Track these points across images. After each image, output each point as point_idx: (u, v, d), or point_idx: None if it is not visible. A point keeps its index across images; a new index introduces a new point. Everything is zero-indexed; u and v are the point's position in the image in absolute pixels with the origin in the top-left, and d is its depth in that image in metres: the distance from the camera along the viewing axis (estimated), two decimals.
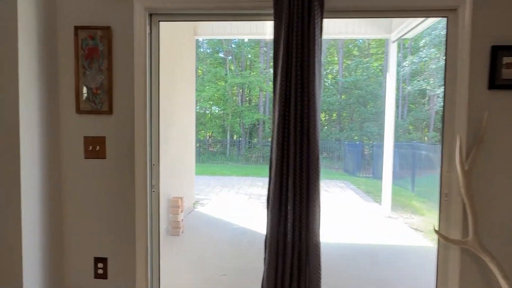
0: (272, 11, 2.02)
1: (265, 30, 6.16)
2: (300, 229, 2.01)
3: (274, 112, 2.04)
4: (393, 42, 5.44)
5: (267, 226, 2.07)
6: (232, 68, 19.29)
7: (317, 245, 2.02)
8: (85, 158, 2.20)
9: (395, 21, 5.23)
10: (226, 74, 18.68)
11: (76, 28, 2.14)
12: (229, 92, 18.73)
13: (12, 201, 1.89)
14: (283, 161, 1.99)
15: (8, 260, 1.92)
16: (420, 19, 4.10)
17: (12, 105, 1.86)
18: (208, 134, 19.36)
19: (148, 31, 2.16)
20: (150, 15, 2.18)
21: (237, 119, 18.62)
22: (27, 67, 1.91)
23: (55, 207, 2.18)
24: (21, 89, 1.87)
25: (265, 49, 18.86)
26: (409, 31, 4.93)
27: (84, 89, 2.16)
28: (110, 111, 2.16)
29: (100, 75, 2.15)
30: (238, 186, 9.05)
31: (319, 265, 2.03)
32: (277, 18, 2.00)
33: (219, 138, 19.07)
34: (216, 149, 18.58)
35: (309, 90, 1.94)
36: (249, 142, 18.64)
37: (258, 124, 18.75)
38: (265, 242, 2.09)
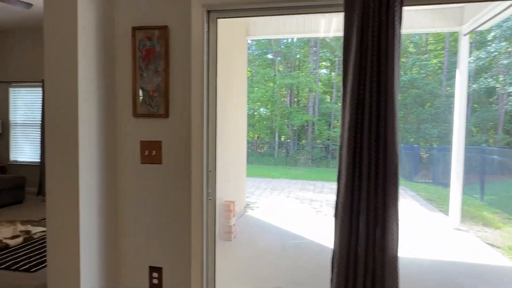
0: (341, 1, 1.79)
1: (319, 27, 5.88)
2: (375, 246, 1.75)
3: (343, 114, 1.80)
4: (465, 35, 4.89)
5: (334, 243, 1.84)
6: (281, 69, 19.10)
7: (394, 258, 1.74)
8: (141, 163, 2.13)
9: (467, 11, 4.70)
10: (275, 75, 18.54)
11: (134, 29, 2.07)
12: (278, 93, 18.56)
13: (71, 206, 1.86)
14: (354, 170, 1.75)
15: (66, 267, 1.89)
16: (504, 5, 3.59)
17: (72, 108, 1.82)
18: (256, 135, 19.35)
19: (205, 29, 2.03)
20: (208, 12, 2.05)
21: (285, 120, 18.38)
22: (86, 70, 1.87)
23: (111, 213, 2.13)
24: (81, 93, 1.83)
25: (314, 48, 18.42)
26: (485, 22, 4.39)
27: (141, 92, 2.09)
28: (166, 115, 2.07)
29: (156, 77, 2.07)
30: (289, 189, 8.83)
31: (397, 280, 1.75)
32: (348, 8, 1.77)
33: (266, 140, 18.97)
34: (264, 151, 18.49)
35: (387, 89, 1.68)
36: (297, 144, 18.32)
37: (307, 126, 18.36)
38: (332, 260, 1.85)
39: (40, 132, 6.45)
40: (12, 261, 3.29)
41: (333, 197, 7.80)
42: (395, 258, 1.75)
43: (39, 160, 6.54)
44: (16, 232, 4.00)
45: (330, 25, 5.78)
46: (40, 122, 6.30)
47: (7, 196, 5.41)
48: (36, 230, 4.11)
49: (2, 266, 3.18)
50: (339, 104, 18.33)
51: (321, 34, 6.22)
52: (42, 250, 3.60)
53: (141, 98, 2.09)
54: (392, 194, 1.71)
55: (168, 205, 2.11)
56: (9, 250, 3.58)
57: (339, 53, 17.82)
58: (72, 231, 1.87)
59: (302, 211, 6.27)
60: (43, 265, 3.23)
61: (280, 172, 13.07)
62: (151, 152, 2.11)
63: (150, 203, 2.13)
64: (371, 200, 1.73)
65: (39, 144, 6.52)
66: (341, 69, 1.83)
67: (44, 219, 4.73)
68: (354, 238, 1.77)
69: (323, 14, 5.80)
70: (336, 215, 1.83)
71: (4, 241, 3.70)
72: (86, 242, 1.92)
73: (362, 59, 1.73)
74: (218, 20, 2.09)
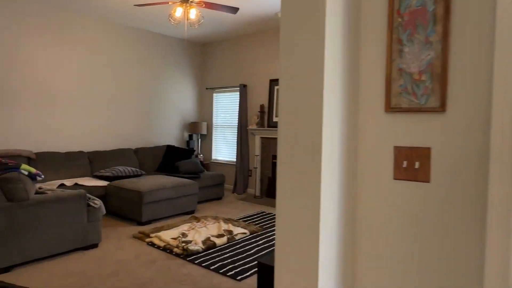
0: None
1: None
2: None
3: None
4: None
5: None
6: None
7: None
8: (395, 178, 1.47)
9: None
10: None
11: None
12: None
13: (307, 228, 1.37)
14: None
15: None
16: None
17: (314, 106, 1.33)
18: None
19: None
20: None
21: None
22: (331, 56, 1.34)
23: (349, 246, 1.56)
24: (326, 85, 1.31)
25: None
26: None
27: (398, 76, 1.44)
28: (441, 108, 1.34)
29: (426, 52, 1.37)
30: None
31: None
32: None
33: None
34: None
35: None
36: None
37: None
38: None
39: (236, 134, 6.88)
40: (220, 263, 3.26)
41: None
42: None
43: (234, 160, 6.99)
44: (220, 230, 4.11)
45: None
46: (237, 124, 6.69)
47: (210, 192, 5.88)
48: (237, 230, 4.12)
49: (212, 267, 3.17)
50: None
51: None
52: (245, 255, 3.49)
53: (398, 85, 1.44)
54: None
55: (438, 246, 1.38)
56: (215, 249, 3.64)
57: None
58: (309, 263, 1.38)
59: None
60: (248, 273, 3.06)
61: None
62: (412, 164, 1.42)
63: (406, 237, 1.45)
64: None
65: (235, 145, 6.97)
66: None
67: (242, 219, 4.83)
68: None
69: None
70: None
71: (212, 238, 3.81)
72: (323, 280, 1.40)
73: None
74: None
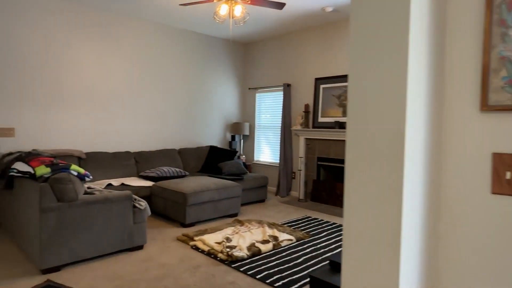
0: None
1: None
2: None
3: None
4: None
5: None
6: None
7: None
8: (493, 193, 1.20)
9: None
10: None
11: None
12: None
13: (384, 250, 1.14)
14: None
15: None
16: None
17: (395, 104, 1.10)
18: None
19: None
20: None
21: None
22: (416, 28, 1.10)
23: (431, 267, 1.30)
24: (410, 79, 1.08)
25: None
26: None
27: (500, 66, 1.17)
28: None
29: None
30: None
31: None
32: None
33: None
34: None
35: None
36: None
37: None
38: None
39: (279, 134, 6.68)
40: (266, 272, 3.08)
41: None
42: None
43: (277, 161, 6.80)
44: (265, 236, 3.93)
45: None
46: (280, 125, 6.49)
47: (253, 194, 5.73)
48: (282, 237, 3.93)
49: (257, 276, 3.00)
50: None
51: None
52: (292, 264, 3.29)
53: (501, 78, 1.16)
54: None
55: None
56: (261, 256, 3.46)
57: None
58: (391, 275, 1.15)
59: None
60: (297, 285, 2.85)
61: None
62: None
63: (509, 271, 1.17)
64: None
65: (278, 146, 6.77)
66: None
67: (286, 223, 4.62)
68: None
69: None
70: None
71: (256, 244, 3.64)
72: None
73: None
74: None
